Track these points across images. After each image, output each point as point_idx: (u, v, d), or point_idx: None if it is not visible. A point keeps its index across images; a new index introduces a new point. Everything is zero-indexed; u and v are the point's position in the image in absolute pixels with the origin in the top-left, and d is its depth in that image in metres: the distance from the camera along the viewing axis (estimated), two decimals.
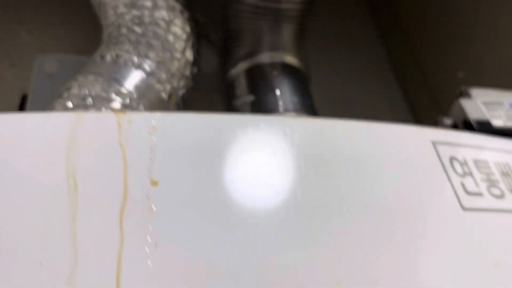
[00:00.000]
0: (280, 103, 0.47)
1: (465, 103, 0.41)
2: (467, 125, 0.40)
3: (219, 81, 0.56)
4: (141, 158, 0.27)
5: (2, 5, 0.72)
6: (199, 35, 0.63)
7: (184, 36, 0.51)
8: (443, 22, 0.75)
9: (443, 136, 0.35)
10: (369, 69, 0.89)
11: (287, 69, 0.51)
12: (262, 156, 0.30)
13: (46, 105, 0.57)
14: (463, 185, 0.32)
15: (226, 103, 0.54)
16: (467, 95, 0.42)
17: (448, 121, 0.43)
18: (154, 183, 0.26)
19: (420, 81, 0.79)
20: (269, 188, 0.28)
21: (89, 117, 0.29)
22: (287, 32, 0.53)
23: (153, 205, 0.25)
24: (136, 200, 0.25)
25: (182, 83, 0.49)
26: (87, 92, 0.41)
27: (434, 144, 0.34)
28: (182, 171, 0.27)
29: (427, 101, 0.77)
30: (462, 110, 0.40)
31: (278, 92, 0.48)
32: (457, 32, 0.71)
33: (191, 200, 0.26)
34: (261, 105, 0.48)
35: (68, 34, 0.72)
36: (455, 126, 0.42)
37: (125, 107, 0.41)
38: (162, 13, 0.50)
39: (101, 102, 0.40)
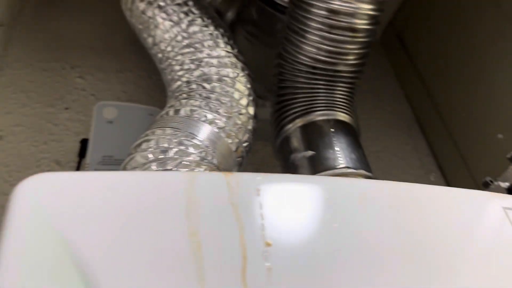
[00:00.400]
0: (340, 160, 0.49)
1: None
2: None
3: (273, 136, 0.59)
4: (253, 218, 0.29)
5: (58, 50, 0.76)
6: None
7: (246, 92, 0.54)
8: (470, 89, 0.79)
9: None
10: (397, 126, 0.92)
11: (341, 126, 0.54)
12: (357, 215, 0.32)
13: (105, 150, 0.59)
14: None
15: (281, 156, 0.57)
16: None
17: (504, 184, 0.45)
18: (268, 244, 0.28)
19: (445, 136, 0.82)
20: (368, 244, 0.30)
21: (202, 177, 0.31)
22: (341, 91, 0.56)
23: (271, 265, 0.27)
24: (254, 260, 0.27)
25: (246, 136, 0.51)
26: (167, 145, 0.43)
27: (505, 209, 0.37)
28: (289, 231, 0.29)
29: (453, 155, 0.80)
30: None
31: (337, 148, 0.50)
32: (482, 92, 0.75)
33: (303, 260, 0.28)
34: (320, 160, 0.50)
35: (119, 81, 0.76)
36: (511, 189, 0.45)
37: (201, 159, 0.44)
38: (228, 70, 0.54)
39: (181, 156, 0.43)
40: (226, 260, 0.27)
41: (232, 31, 0.78)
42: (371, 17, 0.52)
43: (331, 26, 0.51)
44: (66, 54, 0.76)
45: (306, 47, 0.53)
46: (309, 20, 0.52)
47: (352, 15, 0.50)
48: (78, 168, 0.60)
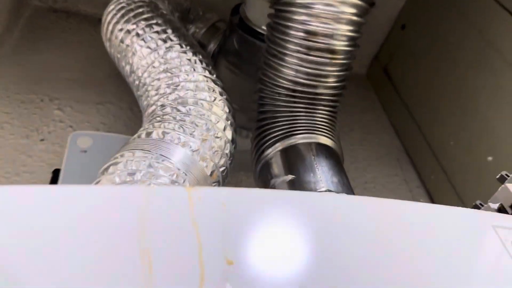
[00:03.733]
0: (321, 183, 0.47)
1: None
2: None
3: (253, 160, 0.56)
4: (214, 236, 0.26)
5: (37, 82, 0.74)
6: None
7: (224, 116, 0.52)
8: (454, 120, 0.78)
9: (502, 221, 0.35)
10: (386, 157, 0.90)
11: (323, 149, 0.52)
12: (329, 230, 0.29)
13: (78, 180, 0.56)
14: None
15: (261, 181, 0.54)
16: (509, 180, 0.42)
17: (494, 205, 0.43)
18: (230, 263, 0.25)
19: (435, 165, 0.80)
20: (339, 264, 0.27)
21: (160, 191, 0.29)
22: (322, 114, 0.55)
23: (230, 286, 0.24)
24: (213, 280, 0.24)
25: (222, 161, 0.49)
26: (135, 167, 0.41)
27: (495, 228, 0.34)
28: (254, 248, 0.26)
29: (444, 185, 0.77)
30: (510, 195, 0.41)
31: (318, 172, 0.48)
32: (470, 120, 0.74)
33: (265, 279, 0.25)
34: (301, 184, 0.48)
35: (99, 112, 0.74)
36: (501, 210, 0.42)
37: (172, 182, 0.41)
38: (205, 94, 0.52)
39: (150, 178, 0.40)
40: (180, 283, 0.24)
41: (215, 62, 0.77)
42: (349, 38, 0.51)
43: (310, 48, 0.50)
44: (46, 87, 0.75)
45: (285, 70, 0.52)
46: (287, 42, 0.51)
47: (330, 36, 0.50)
48: None
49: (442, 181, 0.80)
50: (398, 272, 0.28)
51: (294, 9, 0.49)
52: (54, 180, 0.58)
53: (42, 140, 0.66)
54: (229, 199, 0.29)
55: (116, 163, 0.42)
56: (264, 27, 0.66)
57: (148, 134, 0.46)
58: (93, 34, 0.92)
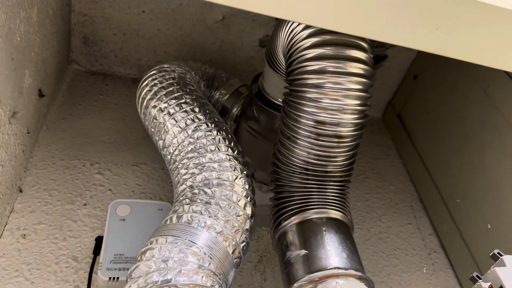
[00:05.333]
0: (331, 260, 0.53)
1: (501, 271, 0.46)
2: None
3: (271, 230, 0.63)
4: None
5: (79, 147, 0.83)
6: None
7: (244, 193, 0.59)
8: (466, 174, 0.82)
9: None
10: (400, 205, 0.95)
11: (333, 223, 0.58)
12: None
13: (118, 247, 0.64)
14: None
15: (279, 250, 0.60)
16: (501, 262, 0.47)
17: (485, 285, 0.48)
18: None
19: (447, 217, 0.85)
20: None
21: None
22: (332, 189, 0.61)
23: None
24: None
25: (243, 237, 0.56)
26: (168, 254, 0.48)
27: None
28: None
29: (455, 236, 0.81)
30: (498, 278, 0.46)
31: (329, 248, 0.54)
32: (480, 179, 0.78)
33: None
34: (314, 260, 0.54)
35: (134, 174, 0.83)
36: None
37: (199, 267, 0.48)
38: (227, 174, 0.59)
39: (181, 264, 0.47)
40: None
41: (237, 125, 0.85)
42: (355, 124, 0.57)
43: (319, 134, 0.56)
44: (86, 151, 0.84)
45: (298, 151, 0.59)
46: (298, 128, 0.57)
47: (337, 124, 0.56)
48: (92, 265, 0.64)
49: (453, 231, 0.84)
50: None
51: (304, 102, 0.56)
52: (97, 247, 0.66)
53: (85, 204, 0.74)
54: None
55: (152, 248, 0.50)
56: (280, 100, 0.73)
57: (179, 218, 0.53)
58: (128, 94, 1.01)
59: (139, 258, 0.50)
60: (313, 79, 0.55)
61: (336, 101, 0.55)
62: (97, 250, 0.65)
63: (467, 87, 0.86)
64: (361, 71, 0.55)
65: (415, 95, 1.06)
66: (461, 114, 0.87)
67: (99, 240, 0.66)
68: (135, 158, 0.86)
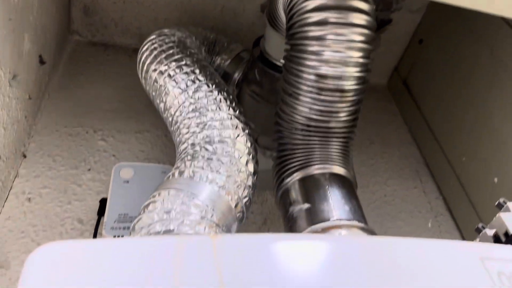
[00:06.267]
0: (334, 212, 0.53)
1: (506, 216, 0.45)
2: (509, 237, 0.44)
3: (274, 187, 0.62)
4: (235, 276, 0.33)
5: (82, 115, 0.83)
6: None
7: (246, 151, 0.58)
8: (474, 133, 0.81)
9: (490, 252, 0.40)
10: (406, 169, 0.95)
11: (336, 178, 0.58)
12: (320, 271, 0.35)
13: (122, 209, 0.64)
14: None
15: (282, 207, 0.60)
16: (506, 208, 0.47)
17: (490, 232, 0.47)
18: None
19: (453, 179, 0.84)
20: None
21: (189, 240, 0.35)
22: (335, 145, 0.60)
23: None
24: None
25: (245, 192, 0.55)
26: (170, 206, 0.48)
27: (482, 260, 0.39)
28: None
29: (462, 198, 0.81)
30: (503, 224, 0.45)
31: (331, 201, 0.54)
32: (486, 138, 0.77)
33: None
34: (317, 213, 0.54)
35: (138, 141, 0.82)
36: (497, 237, 0.46)
37: (202, 218, 0.48)
38: (229, 132, 0.59)
39: (183, 215, 0.47)
40: None
41: (240, 90, 0.84)
42: (357, 78, 0.56)
43: (321, 89, 0.56)
44: (89, 119, 0.84)
45: (300, 108, 0.58)
46: (300, 84, 0.56)
47: (339, 78, 0.55)
48: (97, 226, 0.65)
49: (459, 193, 0.83)
50: None
51: (305, 55, 0.55)
52: (102, 208, 0.66)
53: (89, 169, 0.75)
54: (246, 244, 0.35)
55: (154, 201, 0.50)
56: (282, 61, 0.72)
57: (181, 173, 0.53)
58: (129, 64, 1.00)
59: (141, 212, 0.50)
60: (315, 31, 0.54)
61: (338, 53, 0.53)
62: (101, 211, 0.66)
63: (473, 47, 0.85)
64: (364, 22, 0.54)
65: (421, 60, 1.04)
66: (468, 76, 0.86)
67: (103, 202, 0.67)
68: (138, 125, 0.86)
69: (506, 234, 0.45)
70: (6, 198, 0.67)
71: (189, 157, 0.56)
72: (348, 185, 0.58)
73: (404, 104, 1.09)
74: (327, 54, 0.53)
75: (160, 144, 0.84)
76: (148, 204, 0.50)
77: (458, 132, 0.87)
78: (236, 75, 0.84)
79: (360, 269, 0.35)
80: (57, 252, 0.31)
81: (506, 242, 0.45)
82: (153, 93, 0.70)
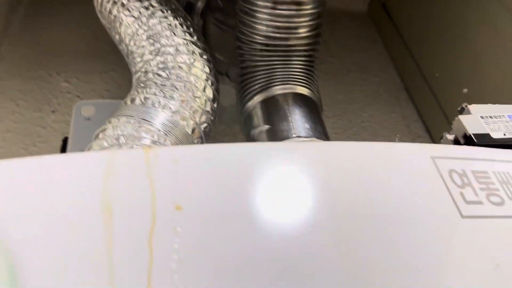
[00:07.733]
0: (293, 130, 0.51)
1: (464, 118, 0.43)
2: (467, 139, 0.42)
3: (239, 114, 0.61)
4: (166, 187, 0.31)
5: (45, 58, 0.80)
6: (219, 73, 0.69)
7: (204, 76, 0.56)
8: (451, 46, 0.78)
9: (441, 151, 0.38)
10: (384, 95, 0.92)
11: (298, 99, 0.56)
12: (278, 179, 0.33)
13: (85, 146, 0.63)
14: (462, 195, 0.35)
15: (246, 133, 0.59)
16: (467, 111, 0.45)
17: (450, 136, 0.45)
18: (178, 208, 0.30)
19: (432, 100, 0.81)
20: (291, 208, 0.31)
21: (121, 154, 0.34)
22: (297, 64, 0.57)
23: (177, 227, 0.29)
24: (163, 223, 0.29)
25: (203, 118, 0.53)
26: (119, 132, 0.46)
27: (433, 159, 0.37)
28: (202, 197, 0.32)
29: (441, 119, 0.79)
30: (462, 126, 0.43)
31: (291, 120, 0.52)
32: (463, 54, 0.74)
33: (212, 221, 0.30)
34: (276, 133, 0.52)
35: (103, 81, 0.80)
36: (457, 141, 0.45)
37: (154, 143, 0.46)
38: (184, 57, 0.56)
39: (133, 140, 0.46)
40: (135, 225, 0.29)
41: (204, 20, 0.80)
42: None
43: (276, 2, 0.52)
44: (53, 61, 0.81)
45: (257, 26, 0.55)
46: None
47: None
48: None
49: (439, 115, 0.81)
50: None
51: None
52: (64, 147, 0.65)
53: (53, 111, 0.73)
54: (182, 155, 0.34)
55: (104, 129, 0.48)
56: None
57: (132, 101, 0.51)
58: (94, 7, 0.95)
59: (93, 140, 0.48)
60: None
61: None
62: (64, 150, 0.64)
63: None
64: None
65: None
66: None
67: (66, 141, 0.65)
68: (103, 65, 0.83)
69: (465, 136, 0.44)
70: None
71: (141, 85, 0.54)
72: (310, 105, 0.56)
73: (384, 29, 1.05)
74: None
75: (127, 82, 0.81)
76: (98, 133, 0.48)
77: (437, 53, 0.84)
78: (199, 4, 0.80)
79: (307, 171, 0.34)
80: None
81: (465, 144, 0.43)
82: (109, 26, 0.67)
